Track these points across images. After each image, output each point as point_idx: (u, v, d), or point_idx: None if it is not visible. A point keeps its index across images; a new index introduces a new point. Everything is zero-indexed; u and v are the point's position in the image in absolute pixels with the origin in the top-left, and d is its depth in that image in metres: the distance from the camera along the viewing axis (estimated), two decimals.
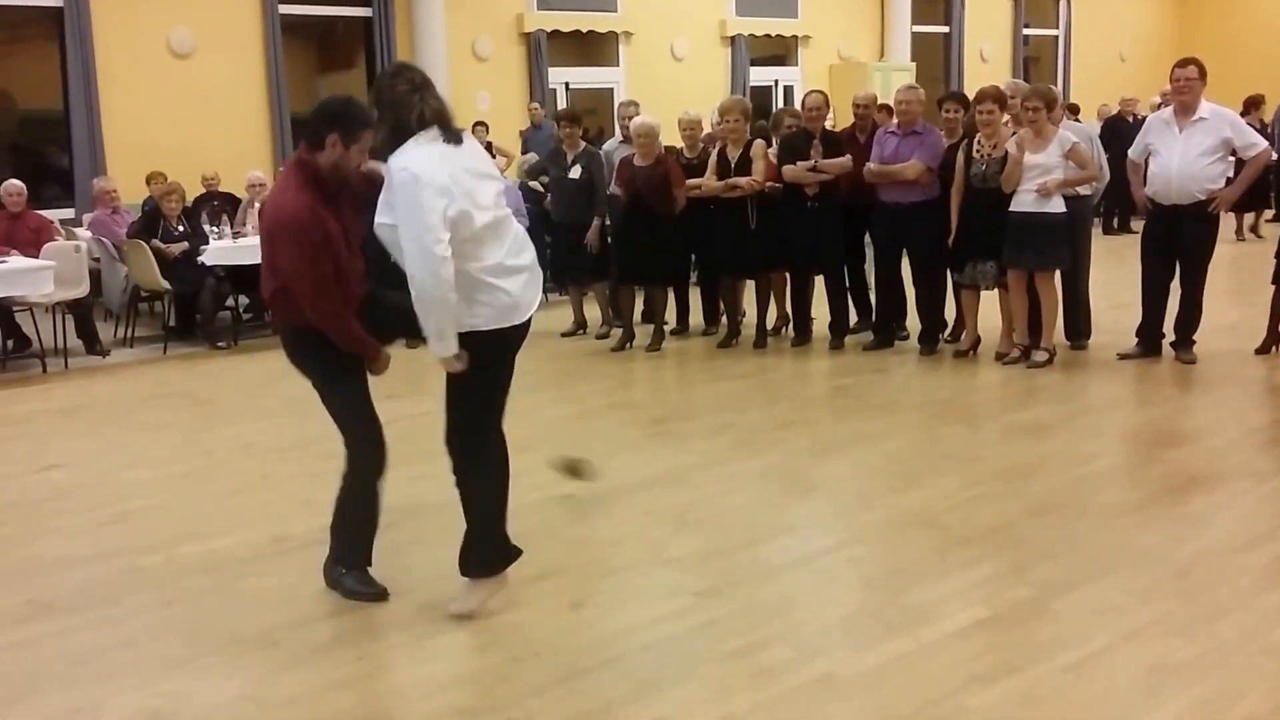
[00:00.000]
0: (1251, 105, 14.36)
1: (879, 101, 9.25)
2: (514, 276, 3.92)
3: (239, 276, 9.72)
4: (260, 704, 3.57)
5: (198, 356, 9.25)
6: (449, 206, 3.67)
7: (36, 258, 8.87)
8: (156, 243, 9.40)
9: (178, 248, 9.45)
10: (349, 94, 4.23)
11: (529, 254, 4.04)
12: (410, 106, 3.76)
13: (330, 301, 3.94)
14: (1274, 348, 7.74)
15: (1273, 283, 7.68)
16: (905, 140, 7.97)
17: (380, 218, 3.82)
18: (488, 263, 3.84)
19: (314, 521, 5.09)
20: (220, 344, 9.51)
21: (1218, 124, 7.27)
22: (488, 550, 4.17)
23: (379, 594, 4.30)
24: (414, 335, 4.00)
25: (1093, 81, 20.91)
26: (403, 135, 3.76)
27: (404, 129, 3.76)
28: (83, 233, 10.80)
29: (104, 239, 10.13)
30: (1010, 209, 7.40)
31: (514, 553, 4.22)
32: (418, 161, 3.68)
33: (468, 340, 3.85)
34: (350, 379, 4.18)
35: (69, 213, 12.13)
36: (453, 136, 3.84)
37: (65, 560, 4.81)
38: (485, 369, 3.94)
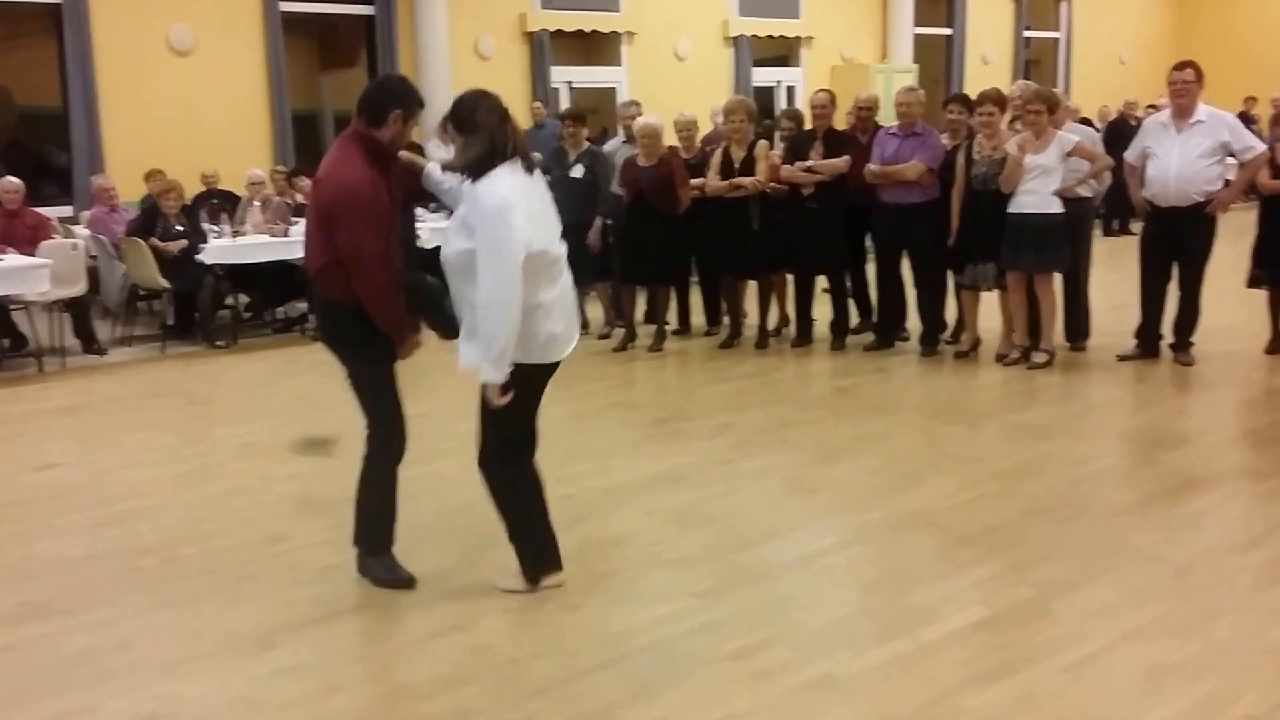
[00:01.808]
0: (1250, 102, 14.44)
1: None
2: (564, 313, 4.08)
3: (238, 275, 9.74)
4: (257, 707, 3.56)
5: (196, 356, 9.24)
6: (530, 239, 3.80)
7: (34, 256, 8.85)
8: (155, 241, 9.38)
9: (176, 246, 9.44)
10: (401, 74, 4.39)
11: (572, 293, 4.19)
12: (504, 134, 3.88)
13: (385, 275, 4.04)
14: None
15: (1248, 286, 7.71)
16: (906, 141, 7.97)
17: (454, 244, 3.91)
18: (544, 298, 3.96)
19: (312, 522, 5.10)
20: (219, 343, 9.50)
21: (1215, 127, 7.28)
22: (529, 559, 4.35)
23: (405, 581, 4.40)
24: (443, 326, 4.17)
25: (1093, 84, 20.90)
26: (493, 161, 3.85)
27: (496, 155, 3.85)
28: (81, 230, 10.78)
29: (102, 237, 10.12)
30: (1009, 210, 7.40)
31: (555, 564, 4.39)
32: (508, 189, 3.80)
33: (514, 372, 3.93)
34: (382, 363, 4.27)
35: (67, 210, 12.10)
36: (529, 166, 3.98)
37: (61, 561, 4.80)
38: (525, 400, 4.06)
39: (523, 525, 4.32)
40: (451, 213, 4.23)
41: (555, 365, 4.13)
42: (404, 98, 4.10)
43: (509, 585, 4.35)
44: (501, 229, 3.73)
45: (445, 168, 4.26)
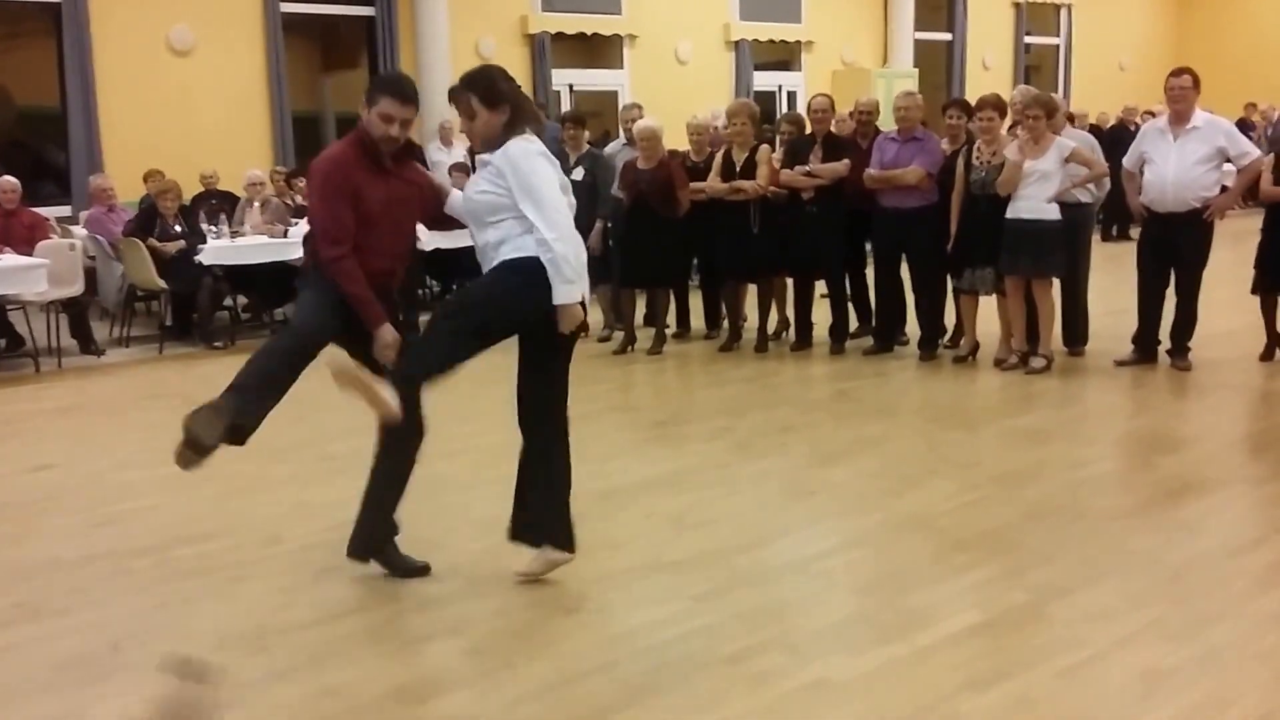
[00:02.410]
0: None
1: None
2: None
3: (237, 276, 9.73)
4: (250, 710, 3.54)
5: (194, 356, 9.24)
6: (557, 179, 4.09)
7: (31, 256, 8.85)
8: (153, 241, 9.38)
9: (174, 246, 9.44)
10: (400, 71, 4.54)
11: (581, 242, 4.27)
12: (526, 105, 4.16)
13: (339, 249, 4.08)
14: (1277, 352, 7.73)
15: (1252, 292, 7.72)
16: (905, 146, 7.97)
17: (478, 188, 4.10)
18: None
19: (308, 524, 5.09)
20: (217, 344, 9.50)
21: (1212, 133, 7.28)
22: (566, 525, 4.40)
23: (421, 569, 4.46)
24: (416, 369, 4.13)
25: (1093, 90, 20.92)
26: (517, 127, 4.07)
27: (520, 122, 4.09)
28: (79, 230, 10.78)
29: (100, 237, 10.12)
30: (1007, 215, 7.40)
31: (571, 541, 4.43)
32: (534, 146, 4.06)
33: (532, 308, 4.05)
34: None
35: (66, 210, 12.11)
36: (540, 130, 4.22)
37: (54, 562, 4.78)
38: (570, 340, 4.23)
39: (564, 487, 4.42)
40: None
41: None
42: (370, 85, 4.27)
43: (526, 570, 4.41)
44: (538, 167, 3.99)
45: (473, 151, 4.35)
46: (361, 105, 4.20)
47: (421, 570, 4.48)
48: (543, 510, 4.37)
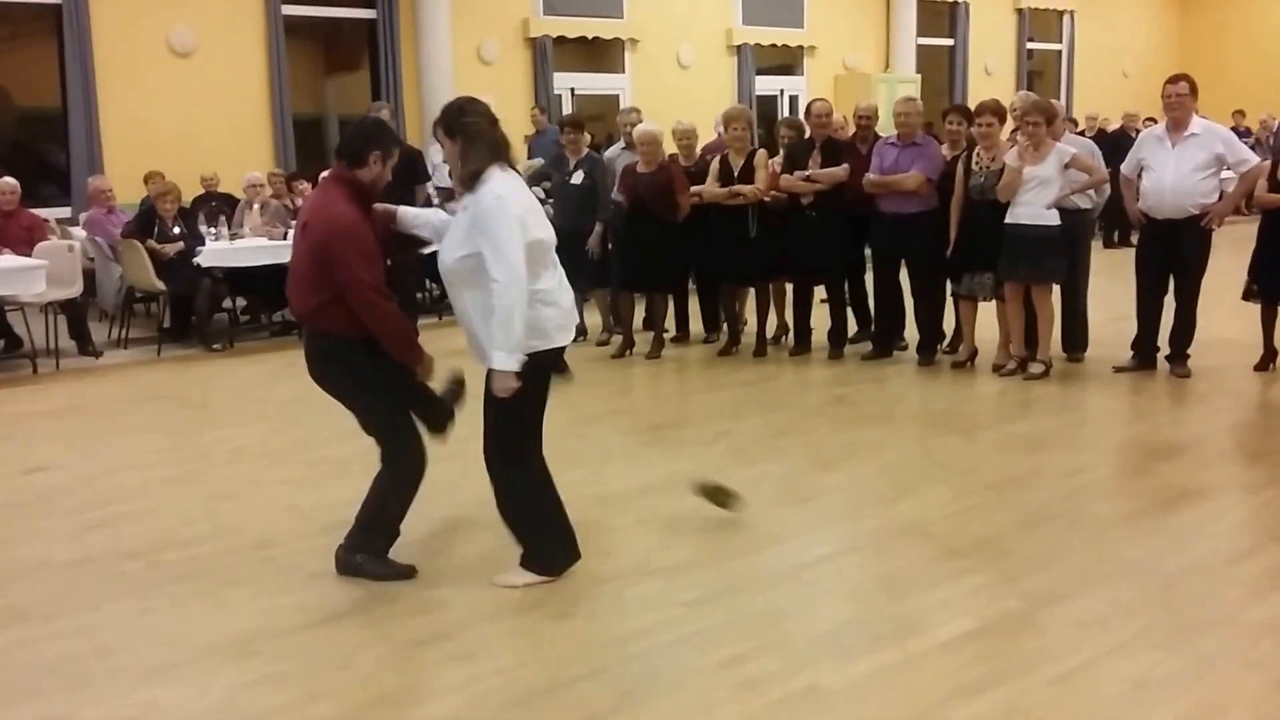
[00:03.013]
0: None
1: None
2: (564, 298, 4.25)
3: (236, 278, 9.73)
4: (238, 715, 3.53)
5: (192, 359, 9.23)
6: (527, 225, 4.02)
7: (30, 257, 8.85)
8: (152, 243, 9.37)
9: (172, 248, 9.43)
10: (377, 116, 4.64)
11: (566, 281, 4.32)
12: (495, 141, 4.12)
13: (390, 305, 4.20)
14: (1271, 364, 7.70)
15: (1243, 298, 7.70)
16: (905, 151, 7.96)
17: (454, 252, 4.09)
18: (544, 285, 4.14)
19: (300, 528, 5.08)
20: (216, 346, 9.49)
21: (1210, 139, 7.27)
22: (540, 553, 4.45)
23: (405, 572, 4.49)
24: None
25: (1096, 96, 20.91)
26: (489, 166, 4.06)
27: (491, 162, 4.07)
28: (78, 232, 10.78)
29: (98, 238, 10.11)
30: (1006, 221, 7.38)
31: (574, 555, 4.53)
32: (505, 189, 4.03)
33: (527, 362, 4.06)
34: (389, 391, 4.38)
35: (66, 211, 12.12)
36: (511, 167, 4.19)
37: (45, 565, 4.77)
38: (534, 391, 4.19)
39: (528, 522, 4.42)
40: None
41: (562, 353, 4.32)
42: (381, 139, 4.31)
43: (508, 582, 4.40)
44: (501, 219, 3.94)
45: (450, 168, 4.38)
46: (373, 159, 4.25)
47: (407, 573, 4.51)
48: (513, 530, 4.46)
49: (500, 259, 3.94)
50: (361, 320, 4.18)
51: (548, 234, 4.19)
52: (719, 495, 5.08)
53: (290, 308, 4.47)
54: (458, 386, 4.87)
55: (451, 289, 4.20)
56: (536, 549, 4.45)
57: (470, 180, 4.07)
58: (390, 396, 4.39)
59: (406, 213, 4.55)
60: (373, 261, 4.17)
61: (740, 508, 5.07)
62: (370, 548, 4.50)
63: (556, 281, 4.23)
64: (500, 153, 4.12)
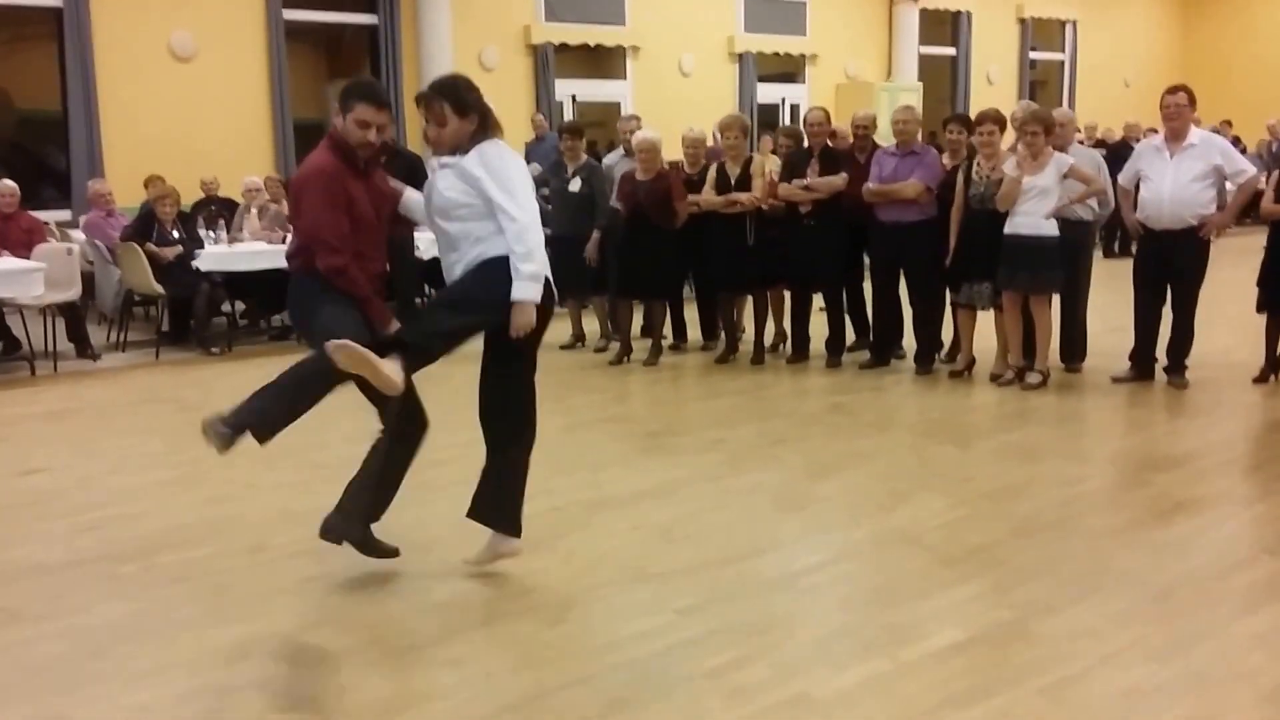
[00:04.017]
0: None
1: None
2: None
3: (234, 282, 9.74)
4: (229, 718, 3.52)
5: (190, 362, 9.23)
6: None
7: (28, 259, 8.85)
8: (150, 246, 9.38)
9: (171, 252, 9.44)
10: (361, 76, 4.63)
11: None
12: (492, 115, 4.26)
13: (341, 255, 4.20)
14: (1272, 376, 7.70)
15: (1258, 311, 7.67)
16: (904, 160, 7.96)
17: (446, 191, 4.19)
18: None
19: (295, 533, 5.06)
20: (214, 349, 9.50)
21: (1208, 150, 7.28)
22: (514, 514, 4.51)
23: (391, 551, 4.54)
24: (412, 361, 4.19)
25: (1098, 106, 20.92)
26: (485, 134, 4.21)
27: (486, 129, 4.22)
28: (77, 235, 10.79)
29: (98, 241, 10.12)
30: (1005, 231, 7.38)
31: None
32: (504, 146, 4.24)
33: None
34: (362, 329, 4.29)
35: (66, 214, 12.13)
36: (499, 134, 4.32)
37: (39, 567, 4.77)
38: (536, 336, 4.27)
39: (520, 476, 4.50)
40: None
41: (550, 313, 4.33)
42: (343, 92, 4.36)
43: (511, 550, 4.52)
44: (513, 164, 4.17)
45: (433, 147, 4.35)
46: (334, 112, 4.33)
47: (392, 553, 4.54)
48: (491, 498, 4.49)
49: (514, 199, 4.09)
50: (319, 265, 4.20)
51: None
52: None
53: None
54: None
55: (440, 224, 4.27)
56: (512, 503, 4.50)
57: (467, 140, 4.18)
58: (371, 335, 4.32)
59: (409, 197, 4.61)
60: (331, 210, 4.18)
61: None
62: (361, 512, 4.45)
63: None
64: (492, 125, 4.27)
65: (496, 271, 4.12)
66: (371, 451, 4.44)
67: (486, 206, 4.12)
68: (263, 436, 4.20)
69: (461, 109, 4.18)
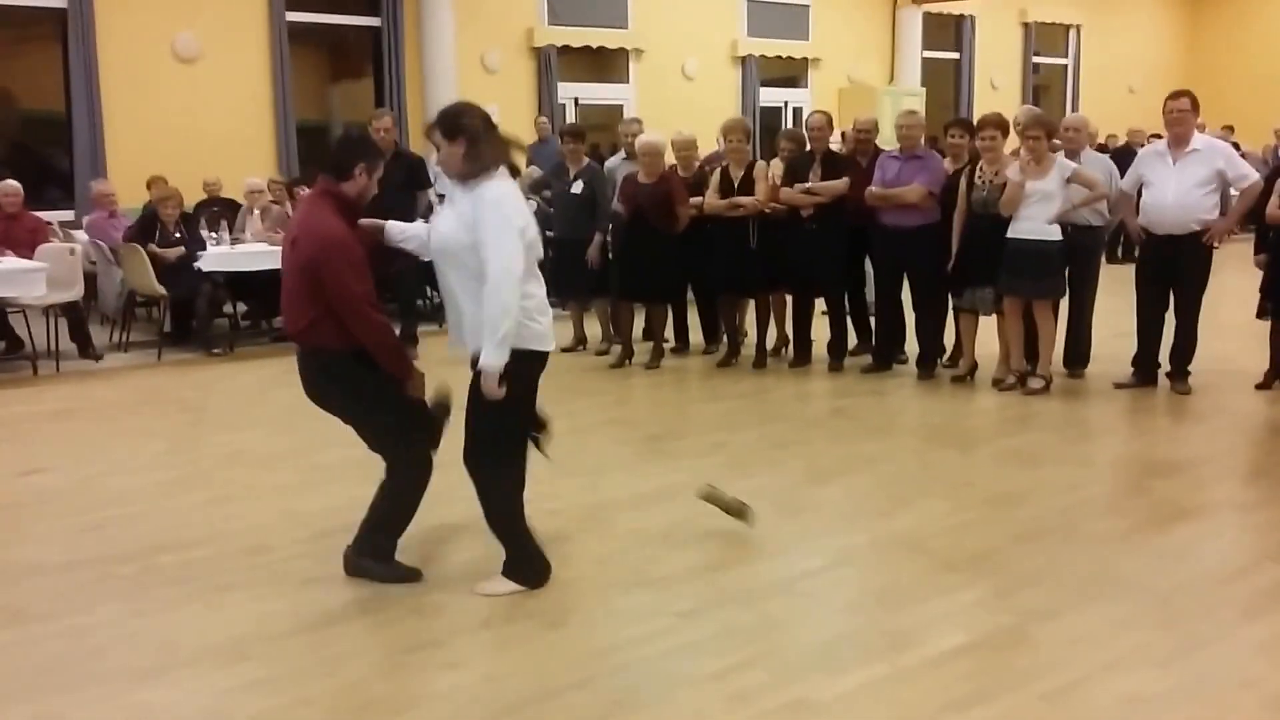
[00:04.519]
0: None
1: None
2: (547, 310, 4.31)
3: (236, 283, 9.74)
4: (228, 718, 3.53)
5: (192, 363, 9.23)
6: (524, 226, 4.12)
7: (32, 259, 8.86)
8: (153, 247, 9.38)
9: (174, 252, 9.44)
10: (354, 117, 4.66)
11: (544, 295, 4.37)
12: (493, 144, 4.17)
13: (381, 317, 4.24)
14: (1276, 382, 7.68)
15: (1258, 317, 7.66)
16: (907, 164, 7.95)
17: (447, 231, 4.18)
18: (532, 291, 4.21)
19: (295, 534, 5.07)
20: (216, 350, 9.50)
21: (1211, 156, 7.27)
22: (526, 562, 4.48)
23: (411, 574, 4.53)
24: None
25: (1102, 112, 20.86)
26: (483, 168, 4.12)
27: (487, 163, 4.13)
28: (80, 235, 10.79)
29: (100, 242, 10.12)
30: (1008, 236, 7.37)
31: (549, 567, 4.54)
32: (506, 191, 4.14)
33: (512, 362, 4.10)
34: (386, 400, 4.38)
35: (69, 215, 12.13)
36: (513, 172, 4.27)
37: (39, 566, 4.77)
38: (520, 392, 4.23)
39: (513, 526, 4.44)
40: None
41: (545, 359, 4.33)
42: (366, 152, 4.37)
43: (491, 591, 4.41)
44: (503, 215, 4.04)
45: (442, 167, 4.37)
46: (359, 171, 4.29)
47: (412, 575, 4.56)
48: (499, 535, 4.49)
49: (498, 258, 4.01)
50: (352, 333, 4.20)
51: (537, 247, 4.27)
52: (730, 505, 5.07)
53: (284, 327, 4.48)
54: (444, 403, 4.86)
55: (440, 266, 4.27)
56: (520, 557, 4.46)
57: (472, 176, 4.13)
58: (388, 405, 4.40)
59: (394, 227, 4.58)
60: (362, 274, 4.19)
61: (751, 520, 5.05)
62: (378, 550, 4.53)
63: (541, 292, 4.30)
64: (505, 153, 4.21)
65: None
66: (379, 493, 4.52)
67: (477, 257, 4.08)
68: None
69: (449, 133, 4.15)
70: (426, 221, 4.84)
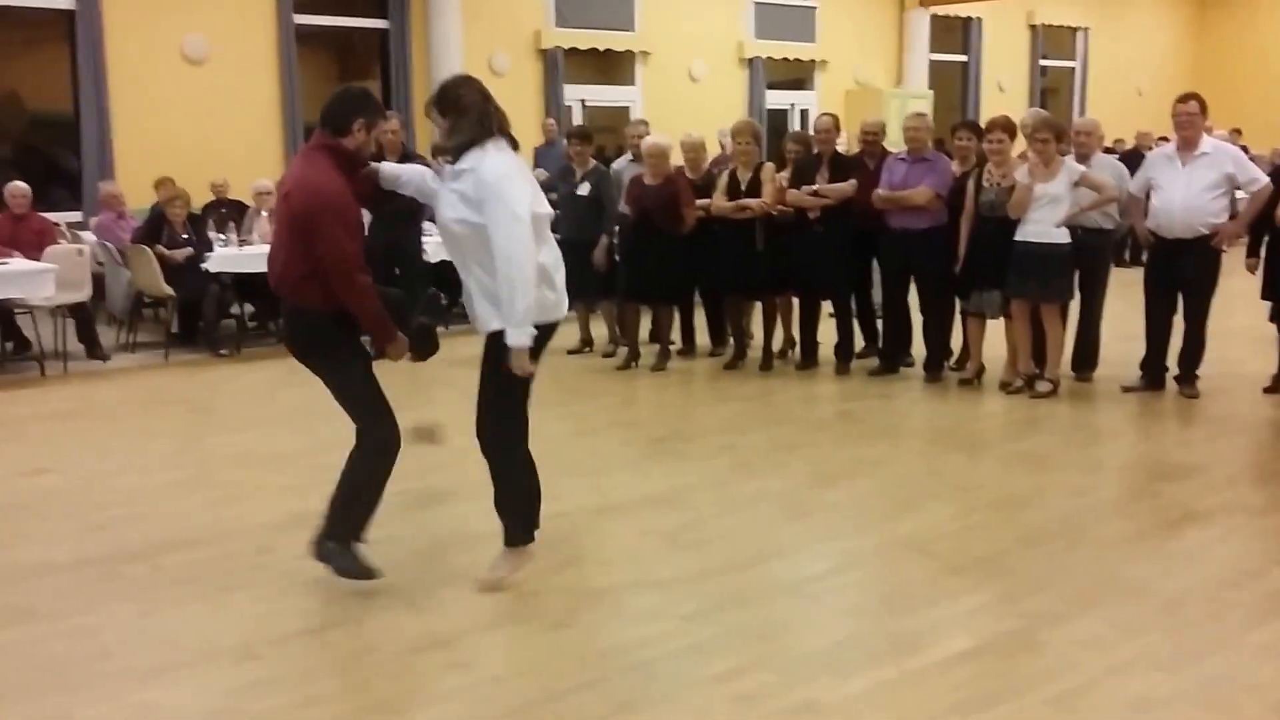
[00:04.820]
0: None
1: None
2: (557, 275, 4.30)
3: (243, 284, 9.75)
4: (234, 717, 3.53)
5: (200, 363, 9.24)
6: (531, 200, 4.11)
7: (40, 260, 8.88)
8: (160, 248, 9.40)
9: (181, 253, 9.46)
10: (361, 85, 4.58)
11: (560, 258, 4.37)
12: (487, 114, 4.14)
13: (366, 279, 4.15)
14: None
15: (1270, 320, 7.63)
16: (914, 167, 7.94)
17: (451, 212, 4.13)
18: (543, 260, 4.18)
19: (301, 534, 5.02)
20: (223, 351, 9.51)
21: (1220, 159, 7.25)
22: (520, 526, 4.51)
23: (369, 572, 4.40)
24: (419, 344, 4.35)
25: (1111, 114, 20.80)
26: (480, 140, 4.11)
27: (485, 133, 4.12)
28: (88, 236, 10.81)
29: (108, 243, 10.14)
30: (1015, 239, 7.35)
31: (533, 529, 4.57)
32: (505, 163, 4.10)
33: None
34: (363, 366, 4.35)
35: (77, 216, 12.16)
36: (513, 144, 4.25)
37: (45, 566, 4.77)
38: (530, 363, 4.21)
39: (520, 500, 4.47)
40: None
41: (554, 329, 4.35)
42: (367, 107, 4.25)
43: (497, 574, 4.46)
44: (508, 193, 4.01)
45: (435, 151, 4.37)
46: (357, 126, 4.19)
47: (370, 574, 4.43)
48: (506, 510, 4.49)
49: (506, 241, 3.99)
50: (337, 293, 4.12)
51: (545, 208, 4.26)
52: (424, 435, 4.84)
53: (269, 281, 4.36)
54: (429, 433, 4.81)
55: (449, 246, 4.28)
56: (516, 525, 4.49)
57: (458, 151, 4.12)
58: (361, 367, 4.34)
59: (387, 169, 4.50)
60: (355, 234, 4.15)
61: (441, 438, 4.90)
62: (343, 531, 4.40)
63: (553, 259, 4.28)
64: (492, 126, 4.14)
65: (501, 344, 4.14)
66: (346, 467, 4.42)
67: (484, 231, 4.06)
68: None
69: (443, 107, 4.16)
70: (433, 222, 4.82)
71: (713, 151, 10.50)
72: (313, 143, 4.26)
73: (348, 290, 4.12)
